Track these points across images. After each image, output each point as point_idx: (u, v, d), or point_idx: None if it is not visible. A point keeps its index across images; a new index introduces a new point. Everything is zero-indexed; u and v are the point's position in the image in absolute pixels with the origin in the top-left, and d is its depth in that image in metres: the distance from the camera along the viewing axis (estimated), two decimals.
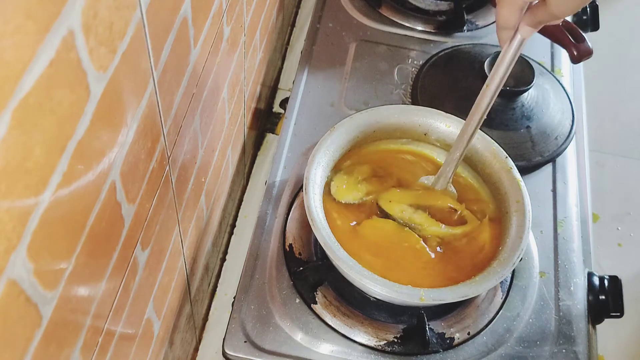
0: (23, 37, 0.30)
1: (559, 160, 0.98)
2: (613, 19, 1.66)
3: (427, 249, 0.77)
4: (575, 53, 0.93)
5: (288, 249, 0.84)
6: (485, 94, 0.72)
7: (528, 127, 0.96)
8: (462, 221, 0.80)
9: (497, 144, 0.82)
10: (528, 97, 0.97)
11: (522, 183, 0.79)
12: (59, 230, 0.40)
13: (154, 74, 0.51)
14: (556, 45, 1.09)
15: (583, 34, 0.94)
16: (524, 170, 0.88)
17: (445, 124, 0.85)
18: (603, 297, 0.84)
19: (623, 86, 1.63)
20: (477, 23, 1.14)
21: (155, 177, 0.58)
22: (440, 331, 0.79)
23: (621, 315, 0.83)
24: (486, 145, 0.82)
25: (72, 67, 0.36)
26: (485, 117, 0.73)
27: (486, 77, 0.94)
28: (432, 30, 1.13)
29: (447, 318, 0.80)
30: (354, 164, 0.84)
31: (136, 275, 0.60)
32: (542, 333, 0.81)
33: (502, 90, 0.94)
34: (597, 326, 0.84)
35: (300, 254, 0.84)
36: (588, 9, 1.17)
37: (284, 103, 1.34)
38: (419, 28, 1.13)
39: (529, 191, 0.78)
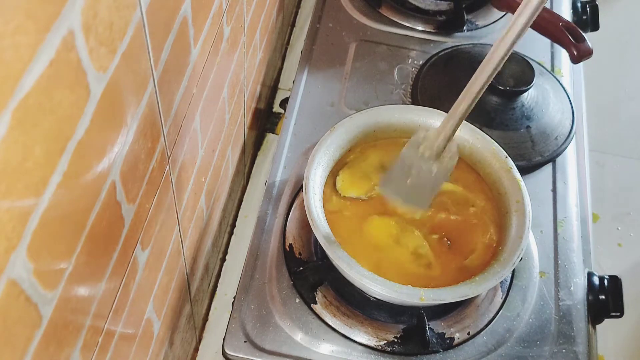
0: (23, 37, 0.30)
1: (559, 160, 0.98)
2: (613, 19, 1.66)
3: (430, 253, 0.77)
4: (575, 53, 0.93)
5: (288, 249, 0.84)
6: (493, 57, 0.63)
7: (528, 127, 0.96)
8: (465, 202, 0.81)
9: (497, 144, 0.82)
10: (528, 97, 0.97)
11: (522, 183, 0.79)
12: (59, 230, 0.40)
13: (154, 74, 0.51)
14: (556, 45, 1.09)
15: (583, 34, 0.94)
16: (524, 170, 0.88)
17: None
18: (603, 297, 0.84)
19: (623, 86, 1.63)
20: (477, 23, 1.14)
21: (155, 177, 0.58)
22: (440, 331, 0.79)
23: (621, 315, 0.83)
24: (486, 145, 0.82)
25: (72, 67, 0.36)
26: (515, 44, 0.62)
27: None
28: (432, 30, 1.13)
29: (447, 318, 0.80)
30: (358, 157, 0.84)
31: (136, 275, 0.60)
32: (542, 333, 0.81)
33: (502, 90, 0.95)
34: (597, 326, 0.84)
35: (300, 254, 0.84)
36: (588, 9, 1.17)
37: (284, 103, 1.34)
38: (419, 28, 1.13)
39: (529, 191, 0.78)
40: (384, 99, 1.03)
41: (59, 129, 0.36)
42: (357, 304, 0.80)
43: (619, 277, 0.85)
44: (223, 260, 1.16)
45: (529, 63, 0.96)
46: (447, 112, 0.84)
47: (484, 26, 1.14)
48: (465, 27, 1.13)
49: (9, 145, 0.31)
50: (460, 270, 0.76)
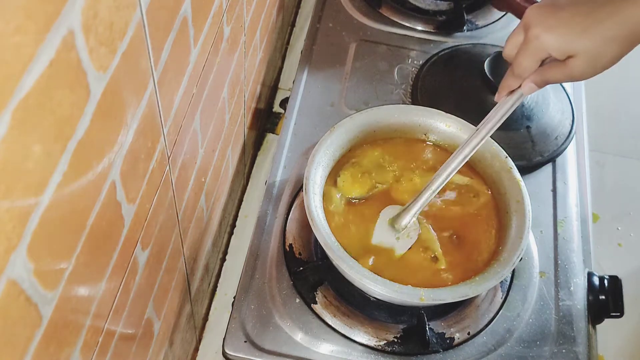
0: (23, 37, 0.30)
1: (559, 160, 0.98)
2: None
3: (437, 247, 0.78)
4: None
5: (288, 249, 0.84)
6: (471, 141, 0.72)
7: (528, 127, 0.96)
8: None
9: (497, 144, 0.82)
10: (528, 97, 0.97)
11: (522, 183, 0.79)
12: (59, 230, 0.40)
13: (154, 74, 0.51)
14: None
15: None
16: (524, 170, 0.88)
17: (445, 124, 0.85)
18: (603, 297, 0.84)
19: (623, 86, 1.63)
20: (477, 23, 1.15)
21: (155, 177, 0.58)
22: (440, 331, 0.79)
23: (621, 315, 0.83)
24: (486, 145, 0.82)
25: (72, 67, 0.36)
26: (466, 161, 0.74)
27: (486, 77, 0.95)
28: (432, 30, 1.13)
29: (447, 318, 0.80)
30: (359, 156, 0.84)
31: (136, 275, 0.60)
32: (542, 333, 0.81)
33: None
34: (597, 326, 0.84)
35: (300, 254, 0.84)
36: None
37: (284, 103, 1.34)
38: (419, 28, 1.13)
39: (529, 191, 0.78)
40: (384, 99, 1.03)
41: (59, 129, 0.36)
42: (357, 304, 0.80)
43: (619, 277, 0.85)
44: (223, 260, 1.16)
45: None
46: (447, 112, 0.85)
47: (484, 26, 1.14)
48: (465, 27, 1.13)
49: (9, 145, 0.31)
50: (468, 263, 0.76)
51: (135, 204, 0.54)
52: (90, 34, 0.37)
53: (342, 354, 0.77)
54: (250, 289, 0.81)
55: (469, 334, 0.79)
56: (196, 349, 1.06)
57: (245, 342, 0.78)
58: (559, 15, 0.60)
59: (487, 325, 0.80)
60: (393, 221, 0.78)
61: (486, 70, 0.95)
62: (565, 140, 0.98)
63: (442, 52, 1.08)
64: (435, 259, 0.76)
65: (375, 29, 1.12)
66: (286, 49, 1.43)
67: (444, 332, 0.79)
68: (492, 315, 0.81)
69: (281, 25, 1.26)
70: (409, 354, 0.77)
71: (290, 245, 0.85)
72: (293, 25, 1.46)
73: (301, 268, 0.81)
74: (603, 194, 1.40)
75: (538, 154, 0.96)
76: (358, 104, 1.02)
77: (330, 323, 0.79)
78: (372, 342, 0.78)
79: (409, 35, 1.12)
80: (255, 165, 1.28)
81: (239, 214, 1.22)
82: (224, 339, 0.78)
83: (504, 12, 1.14)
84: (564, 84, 1.05)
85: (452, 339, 0.79)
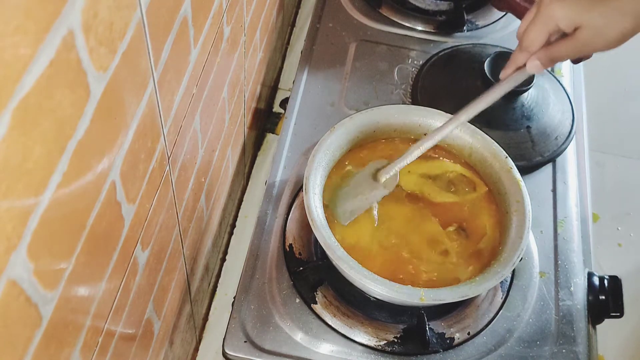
0: (23, 37, 0.30)
1: (559, 160, 0.98)
2: None
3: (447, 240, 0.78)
4: None
5: (288, 249, 0.84)
6: (468, 109, 0.73)
7: (528, 127, 0.96)
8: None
9: (497, 144, 0.82)
10: (528, 97, 0.97)
11: (522, 183, 0.79)
12: (59, 230, 0.40)
13: (154, 74, 0.51)
14: None
15: None
16: (524, 170, 0.88)
17: None
18: (603, 297, 0.84)
19: (623, 86, 1.63)
20: (477, 23, 1.14)
21: (155, 177, 0.58)
22: (440, 331, 0.79)
23: (621, 315, 0.83)
24: (486, 145, 0.82)
25: (72, 67, 0.36)
26: (458, 125, 0.75)
27: (486, 77, 0.95)
28: (432, 30, 1.13)
29: (447, 318, 0.80)
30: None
31: (136, 275, 0.60)
32: (542, 333, 0.81)
33: None
34: (597, 326, 0.84)
35: (300, 254, 0.84)
36: None
37: (284, 103, 1.34)
38: (419, 28, 1.13)
39: (529, 191, 0.78)
40: (384, 99, 1.03)
41: (59, 129, 0.36)
42: (357, 304, 0.80)
43: (619, 277, 0.85)
44: (223, 260, 1.16)
45: None
46: (447, 112, 0.85)
47: (484, 26, 1.14)
48: (465, 27, 1.13)
49: (9, 145, 0.31)
50: (475, 254, 0.77)
51: (135, 204, 0.54)
52: (90, 34, 0.37)
53: (342, 354, 0.77)
54: (250, 289, 0.81)
55: (469, 334, 0.79)
56: (196, 349, 1.06)
57: (245, 342, 0.78)
58: None
59: (487, 325, 0.80)
60: (377, 173, 0.80)
61: (486, 71, 0.95)
62: (565, 140, 0.98)
63: (442, 52, 1.08)
64: (445, 252, 0.77)
65: (375, 29, 1.12)
66: (286, 49, 1.43)
67: (444, 332, 0.79)
68: (492, 315, 0.81)
69: (281, 25, 1.26)
70: (409, 354, 0.77)
71: (290, 245, 0.85)
72: (293, 25, 1.46)
73: (301, 268, 0.81)
74: (603, 194, 1.40)
75: (538, 154, 0.96)
76: (358, 104, 1.02)
77: (330, 323, 0.79)
78: (372, 342, 0.78)
79: (409, 35, 1.12)
80: (255, 165, 1.28)
81: (239, 214, 1.22)
82: (224, 339, 0.78)
83: (504, 12, 1.14)
84: (564, 84, 1.05)
85: (452, 339, 0.79)
